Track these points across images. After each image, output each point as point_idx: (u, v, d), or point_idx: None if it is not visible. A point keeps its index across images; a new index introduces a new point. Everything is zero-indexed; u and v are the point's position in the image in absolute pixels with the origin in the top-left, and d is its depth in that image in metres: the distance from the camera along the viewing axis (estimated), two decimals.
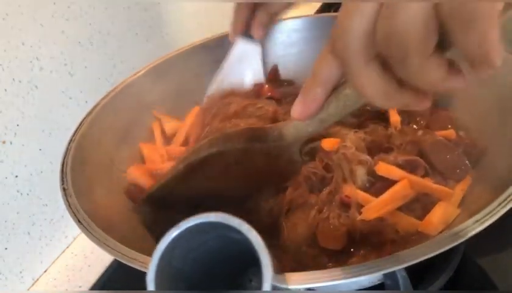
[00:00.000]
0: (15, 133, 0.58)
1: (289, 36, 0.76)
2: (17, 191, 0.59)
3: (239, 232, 0.23)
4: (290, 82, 0.74)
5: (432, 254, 0.32)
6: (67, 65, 0.64)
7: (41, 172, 0.62)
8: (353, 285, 0.43)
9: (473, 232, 0.33)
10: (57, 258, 0.66)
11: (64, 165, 0.51)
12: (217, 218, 0.23)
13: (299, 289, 0.32)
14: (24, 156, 0.60)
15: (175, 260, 0.25)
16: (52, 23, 0.61)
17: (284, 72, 0.77)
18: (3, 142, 0.57)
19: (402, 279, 0.40)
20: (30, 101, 0.59)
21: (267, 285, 0.21)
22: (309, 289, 0.32)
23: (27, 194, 0.61)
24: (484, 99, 0.54)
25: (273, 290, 0.23)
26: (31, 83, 0.59)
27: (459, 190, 0.47)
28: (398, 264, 0.32)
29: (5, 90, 0.56)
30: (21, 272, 0.60)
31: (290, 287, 0.31)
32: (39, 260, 0.63)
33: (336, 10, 1.09)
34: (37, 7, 0.59)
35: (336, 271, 0.32)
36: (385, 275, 0.40)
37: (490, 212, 0.34)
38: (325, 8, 1.15)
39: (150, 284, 0.23)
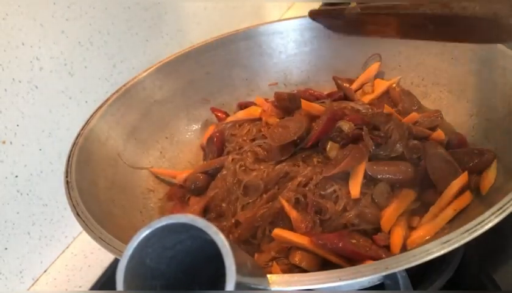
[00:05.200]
0: (15, 133, 0.58)
1: (302, 34, 0.76)
2: (17, 191, 0.59)
3: (208, 234, 0.23)
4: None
5: (414, 264, 0.33)
6: (67, 65, 0.64)
7: (41, 172, 0.62)
8: (353, 285, 0.43)
9: (464, 241, 0.33)
10: (57, 258, 0.66)
11: (70, 158, 0.51)
12: (187, 219, 0.23)
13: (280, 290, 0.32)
14: (24, 156, 0.60)
15: (149, 258, 0.25)
16: (52, 23, 0.61)
17: (297, 72, 0.78)
18: (3, 142, 0.57)
19: (402, 279, 0.40)
20: (30, 101, 0.59)
21: (229, 286, 0.21)
22: (308, 290, 0.32)
23: (27, 194, 0.61)
24: (494, 104, 0.55)
25: (250, 290, 0.24)
26: (31, 83, 0.59)
27: (451, 209, 0.47)
28: (398, 267, 0.32)
29: (5, 90, 0.56)
30: (21, 272, 0.60)
31: (271, 288, 0.31)
32: (39, 260, 0.63)
33: None
34: (37, 7, 0.59)
35: (336, 273, 0.33)
36: (385, 275, 0.40)
37: (482, 222, 0.35)
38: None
39: (119, 284, 0.23)
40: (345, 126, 0.53)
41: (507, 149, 0.49)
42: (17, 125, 0.58)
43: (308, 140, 0.54)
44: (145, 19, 0.77)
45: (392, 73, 0.71)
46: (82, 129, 0.57)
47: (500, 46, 0.56)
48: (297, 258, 0.46)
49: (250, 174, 0.55)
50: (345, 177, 0.49)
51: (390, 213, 0.48)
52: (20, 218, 0.60)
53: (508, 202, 0.36)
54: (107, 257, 0.64)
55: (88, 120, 0.58)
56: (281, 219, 0.50)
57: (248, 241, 0.51)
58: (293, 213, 0.48)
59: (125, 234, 0.44)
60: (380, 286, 0.44)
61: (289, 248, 0.47)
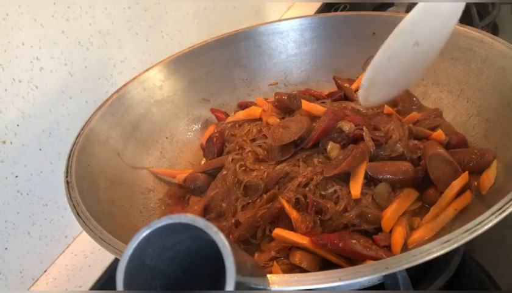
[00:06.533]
0: (15, 133, 0.58)
1: (302, 34, 0.76)
2: (17, 191, 0.59)
3: (208, 234, 0.23)
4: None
5: (411, 264, 0.33)
6: (67, 65, 0.64)
7: (41, 172, 0.62)
8: (353, 285, 0.43)
9: (464, 241, 0.34)
10: (57, 258, 0.66)
11: (70, 158, 0.51)
12: (187, 219, 0.23)
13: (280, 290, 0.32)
14: (24, 156, 0.60)
15: (149, 258, 0.25)
16: (52, 23, 0.61)
17: (297, 72, 0.78)
18: (4, 142, 0.57)
19: (402, 279, 0.40)
20: (30, 101, 0.59)
21: (229, 286, 0.21)
22: (308, 290, 0.32)
23: (27, 194, 0.61)
24: (494, 104, 0.55)
25: (250, 290, 0.24)
26: (31, 83, 0.59)
27: (451, 209, 0.47)
28: (398, 267, 0.32)
29: (5, 90, 0.56)
30: (21, 272, 0.60)
31: (271, 288, 0.31)
32: (39, 260, 0.63)
33: (336, 10, 1.09)
34: (37, 7, 0.59)
35: (336, 273, 0.32)
36: (385, 275, 0.40)
37: (482, 222, 0.35)
38: (325, 8, 1.15)
39: (119, 284, 0.23)
40: (346, 126, 0.53)
41: (507, 149, 0.49)
42: (18, 125, 0.58)
43: (309, 140, 0.54)
44: (145, 19, 0.77)
45: None
46: (82, 129, 0.57)
47: (500, 46, 0.56)
48: (297, 258, 0.46)
49: (250, 174, 0.55)
50: (345, 178, 0.49)
51: (391, 214, 0.48)
52: (20, 218, 0.60)
53: (508, 202, 0.36)
54: (107, 257, 0.64)
55: (88, 120, 0.59)
56: (282, 219, 0.50)
57: (248, 241, 0.51)
58: (293, 214, 0.48)
59: (125, 234, 0.44)
60: (380, 286, 0.44)
61: (290, 248, 0.47)
